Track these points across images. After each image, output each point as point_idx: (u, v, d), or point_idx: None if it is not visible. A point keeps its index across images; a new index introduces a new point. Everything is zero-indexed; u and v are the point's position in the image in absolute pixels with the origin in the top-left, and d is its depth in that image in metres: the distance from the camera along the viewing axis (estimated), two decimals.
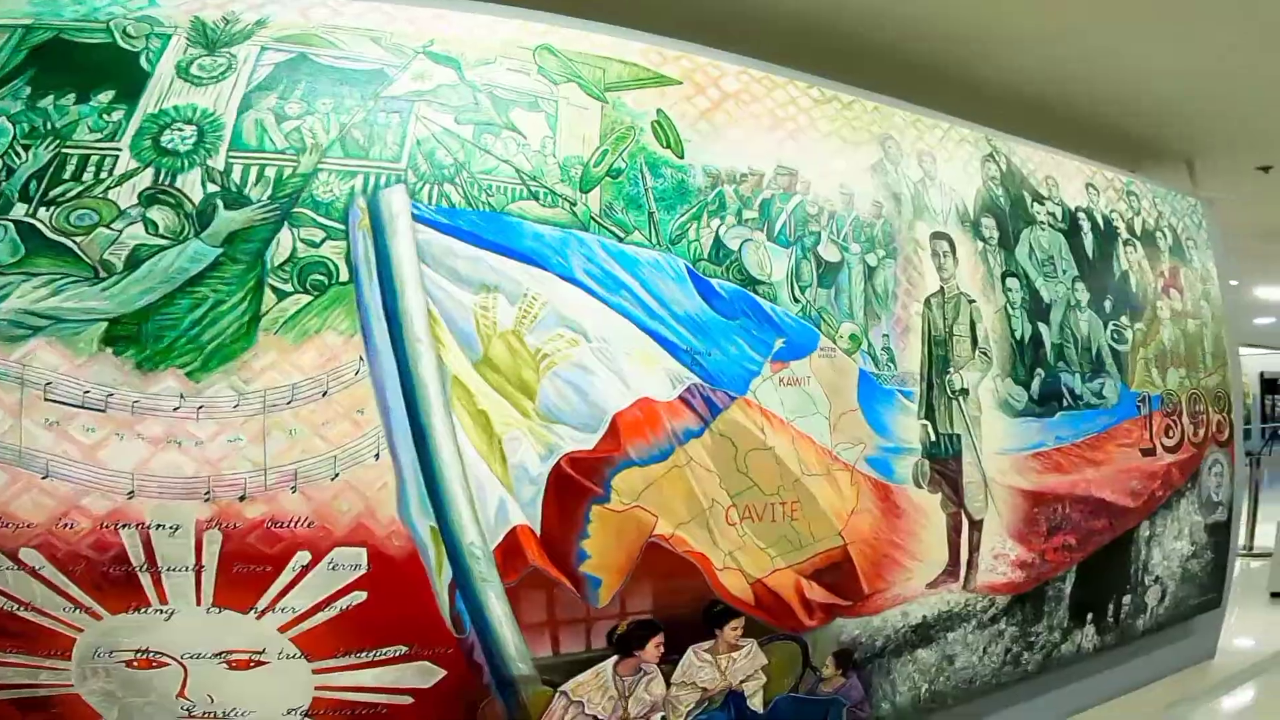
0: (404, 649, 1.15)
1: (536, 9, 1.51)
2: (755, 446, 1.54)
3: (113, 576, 1.02)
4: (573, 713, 1.33)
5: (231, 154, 1.13)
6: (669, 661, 1.45)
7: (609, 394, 1.35)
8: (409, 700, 1.16)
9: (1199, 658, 2.71)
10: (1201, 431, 2.59)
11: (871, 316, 1.80)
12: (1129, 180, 2.59)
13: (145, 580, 1.04)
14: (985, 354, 2.04)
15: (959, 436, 1.93)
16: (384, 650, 1.14)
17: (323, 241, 1.16)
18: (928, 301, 1.94)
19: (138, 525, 1.03)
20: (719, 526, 1.49)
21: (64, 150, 1.07)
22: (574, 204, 1.38)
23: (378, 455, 1.15)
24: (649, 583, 1.40)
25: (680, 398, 1.44)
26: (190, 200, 1.10)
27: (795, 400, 1.62)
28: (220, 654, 1.05)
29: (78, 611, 1.01)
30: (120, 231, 1.07)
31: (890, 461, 1.79)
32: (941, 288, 1.98)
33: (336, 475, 1.12)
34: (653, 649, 1.41)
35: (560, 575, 1.29)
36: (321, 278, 1.15)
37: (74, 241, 1.07)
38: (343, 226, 1.17)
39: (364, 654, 1.13)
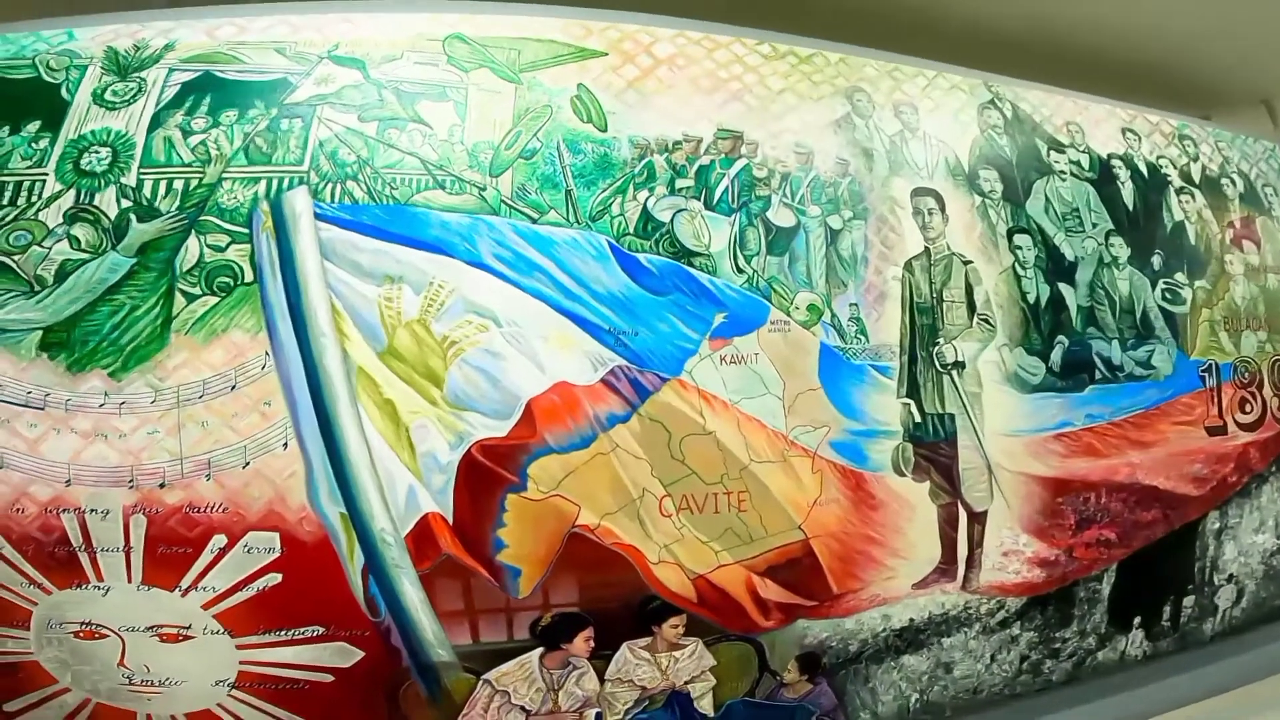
0: (321, 629, 1.36)
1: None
2: (692, 431, 1.63)
3: (58, 556, 1.28)
4: (498, 701, 1.47)
5: (142, 170, 1.38)
6: (602, 657, 1.57)
7: (522, 379, 1.49)
8: (330, 679, 1.36)
9: None
10: None
11: (836, 284, 1.84)
12: (1181, 124, 2.47)
13: (84, 560, 1.29)
14: (987, 321, 2.01)
15: (952, 417, 1.92)
16: (302, 630, 1.35)
17: (228, 246, 1.38)
18: (909, 265, 1.94)
19: (75, 510, 1.29)
20: (652, 518, 1.58)
21: (2, 179, 1.40)
22: (483, 189, 1.52)
23: (285, 445, 1.36)
24: (575, 575, 1.53)
25: (603, 381, 1.55)
26: (107, 216, 1.36)
27: (740, 380, 1.68)
28: (151, 628, 1.30)
29: (31, 587, 1.28)
30: (50, 249, 1.33)
31: (862, 446, 1.81)
32: (927, 248, 1.97)
33: (247, 464, 1.34)
34: (581, 643, 1.54)
35: (475, 564, 1.45)
36: (227, 280, 1.37)
37: (13, 260, 1.34)
38: (246, 230, 1.39)
39: (283, 632, 1.35)
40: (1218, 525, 2.33)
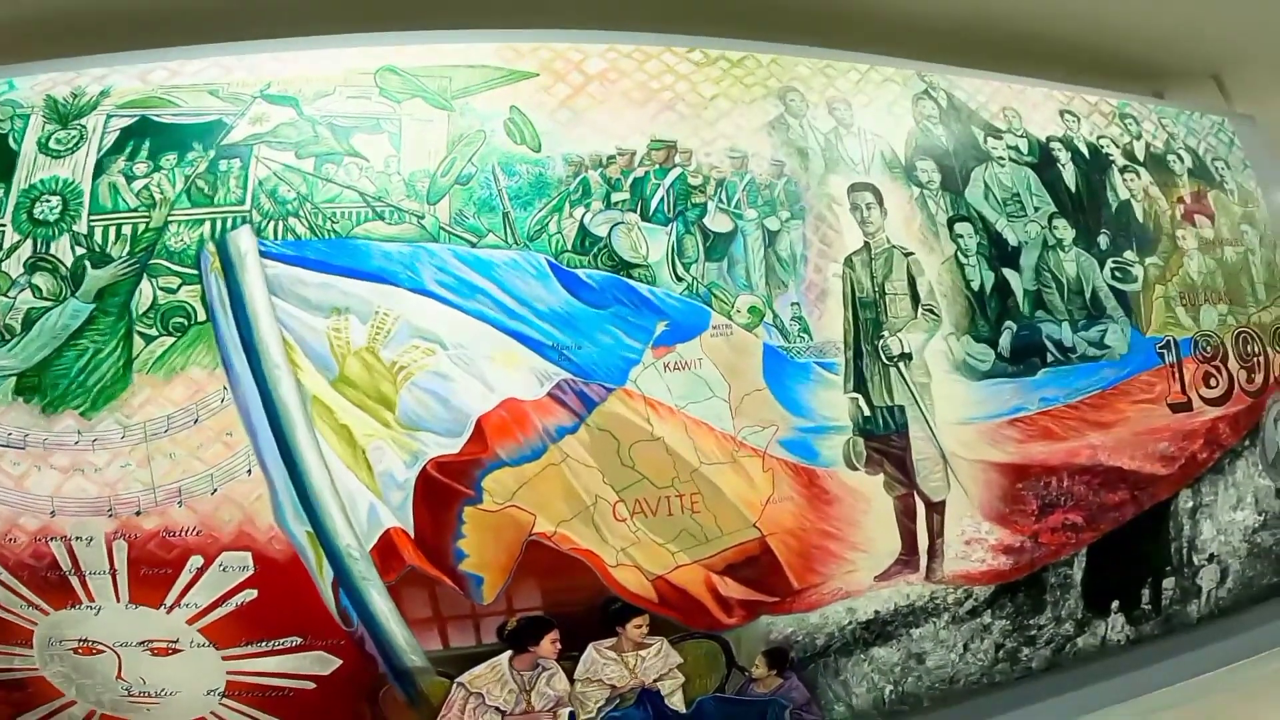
0: (299, 640, 1.68)
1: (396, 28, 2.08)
2: (641, 438, 1.97)
3: (51, 579, 1.61)
4: (473, 703, 1.80)
5: (92, 218, 1.72)
6: (570, 658, 1.90)
7: (471, 398, 1.83)
8: (312, 685, 1.69)
9: None
10: (1259, 377, 2.79)
11: (776, 285, 2.21)
12: (1122, 103, 2.87)
13: (75, 582, 1.62)
14: (931, 311, 2.38)
15: (902, 408, 2.28)
16: (281, 641, 1.68)
17: (179, 287, 1.72)
18: (849, 260, 2.31)
19: (62, 538, 1.63)
20: (606, 523, 1.92)
21: None
22: (422, 217, 1.87)
23: (250, 471, 1.70)
24: (536, 580, 1.86)
25: (549, 395, 1.90)
26: (64, 264, 1.70)
27: (685, 385, 2.03)
28: (143, 642, 1.63)
29: (30, 608, 1.61)
30: (14, 298, 1.68)
31: (812, 443, 2.17)
32: (866, 243, 2.35)
33: (215, 490, 1.68)
34: (548, 645, 1.87)
35: (439, 574, 1.78)
36: (181, 320, 1.71)
37: None
38: (196, 271, 1.73)
39: (264, 644, 1.67)
40: (1191, 504, 2.70)
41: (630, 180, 2.12)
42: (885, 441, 2.27)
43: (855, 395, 2.25)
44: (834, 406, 2.21)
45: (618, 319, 2.01)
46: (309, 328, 1.77)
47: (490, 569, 1.83)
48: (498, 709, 1.82)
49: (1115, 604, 2.54)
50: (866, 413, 2.25)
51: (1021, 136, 2.66)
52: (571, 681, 1.90)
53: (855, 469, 2.22)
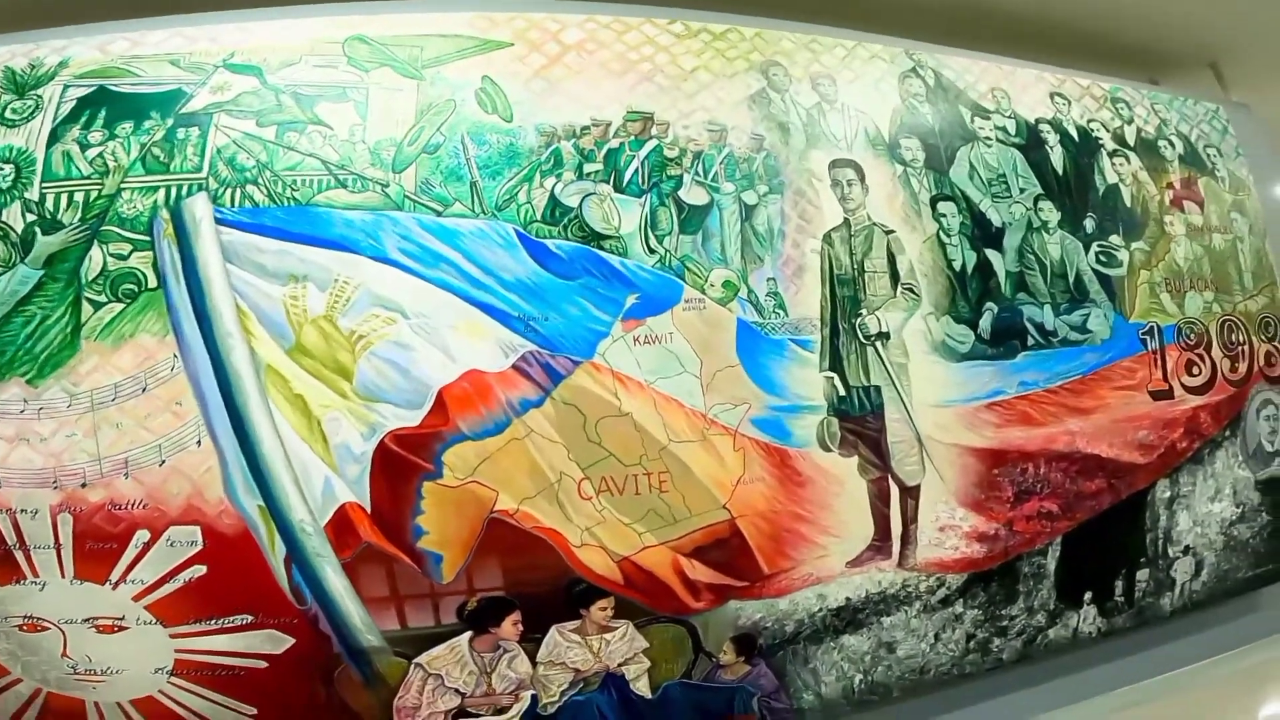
0: (249, 618, 1.71)
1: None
2: (608, 413, 2.01)
3: None
4: (432, 684, 1.83)
5: (44, 185, 1.74)
6: (532, 640, 1.94)
7: (432, 369, 1.85)
8: (264, 664, 1.72)
9: (1267, 634, 2.96)
10: (1243, 366, 2.88)
11: (752, 260, 2.24)
12: (1114, 87, 2.93)
13: (19, 557, 1.63)
14: (911, 290, 2.43)
15: (878, 389, 2.33)
16: (231, 618, 1.70)
17: (130, 254, 1.74)
18: (828, 237, 2.35)
19: (7, 510, 1.65)
20: (571, 501, 1.96)
21: None
22: (386, 185, 1.89)
23: (199, 442, 1.72)
24: (498, 559, 1.89)
25: (514, 367, 1.93)
26: (14, 231, 1.71)
27: (655, 360, 2.07)
28: (88, 619, 1.64)
29: None
30: None
31: (785, 422, 2.21)
32: (846, 220, 2.39)
33: (163, 462, 1.69)
34: (510, 626, 1.90)
35: (397, 551, 1.81)
36: (132, 286, 1.73)
37: None
38: (148, 238, 1.74)
39: (213, 621, 1.69)
40: (1169, 494, 2.78)
41: (604, 151, 2.14)
42: (860, 423, 2.32)
43: (831, 374, 2.29)
44: (809, 385, 2.26)
45: (587, 290, 2.04)
46: (265, 295, 1.78)
47: (450, 546, 1.86)
48: (457, 691, 1.85)
49: (1088, 595, 2.62)
50: (842, 392, 2.30)
51: (1010, 117, 2.71)
52: (534, 664, 1.94)
53: (829, 450, 2.26)
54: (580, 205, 2.08)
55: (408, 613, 1.84)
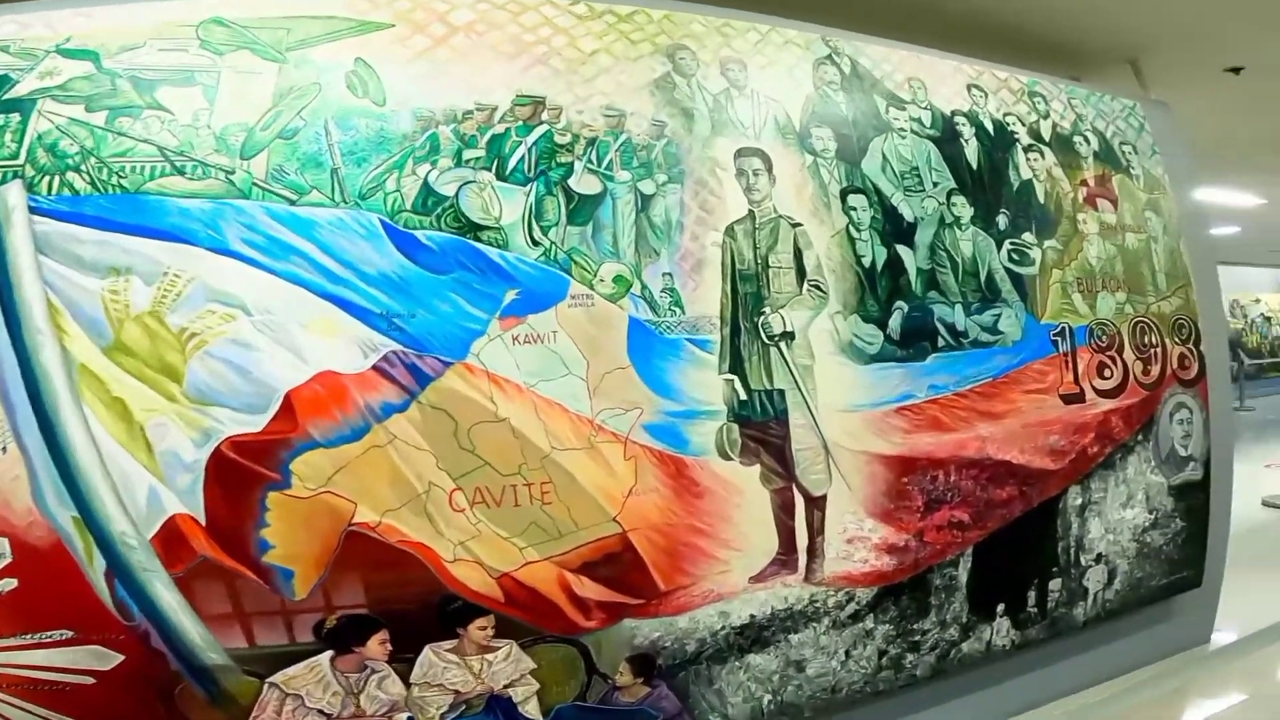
0: (69, 633, 1.58)
1: None
2: (483, 419, 1.91)
3: None
4: (292, 704, 1.73)
5: None
6: (404, 660, 1.84)
7: (278, 370, 1.73)
8: (91, 680, 1.59)
9: (1186, 644, 3.09)
10: (1155, 369, 2.96)
11: (647, 253, 2.17)
12: (1031, 80, 2.99)
13: None
14: (818, 287, 2.40)
15: (782, 393, 2.29)
16: (48, 634, 1.57)
17: None
18: (730, 229, 2.30)
19: None
20: (442, 513, 1.86)
21: None
22: (231, 172, 1.77)
23: (4, 448, 1.56)
24: (359, 575, 1.78)
25: (375, 368, 1.81)
26: None
27: (537, 361, 1.98)
28: None
29: None
30: None
31: (681, 429, 2.15)
32: (751, 211, 2.34)
33: None
34: (376, 646, 1.81)
35: (239, 566, 1.69)
36: None
37: None
38: None
39: (28, 636, 1.56)
40: (1080, 501, 2.84)
41: (488, 137, 2.05)
42: (763, 429, 2.28)
43: (731, 377, 2.25)
44: (707, 389, 2.21)
45: (460, 285, 1.94)
46: (80, 289, 1.64)
47: (301, 562, 1.75)
48: (321, 712, 1.76)
49: (1001, 607, 2.65)
50: (743, 396, 2.26)
51: (925, 108, 2.72)
52: (408, 685, 1.85)
53: (729, 459, 2.22)
54: (457, 194, 1.98)
55: (256, 630, 1.73)
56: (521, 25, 2.17)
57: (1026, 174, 2.84)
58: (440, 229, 1.95)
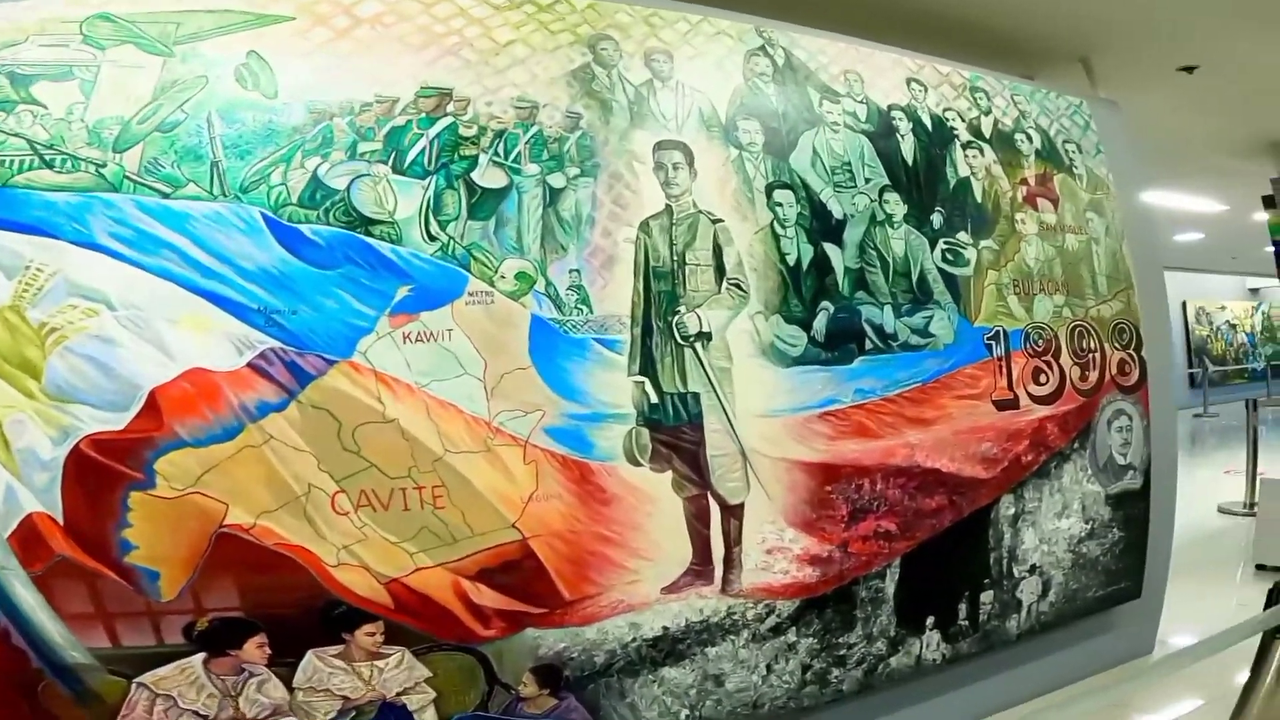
0: None
1: None
2: (369, 420, 1.90)
3: None
4: (163, 705, 1.73)
5: None
6: (286, 664, 1.84)
7: (143, 367, 1.72)
8: None
9: (1128, 656, 3.13)
10: (1093, 375, 3.00)
11: (553, 249, 2.16)
12: (974, 75, 3.02)
13: None
14: (738, 285, 2.40)
15: (697, 396, 2.29)
16: None
17: None
18: (645, 225, 2.30)
19: None
20: (323, 516, 1.84)
21: None
22: (103, 165, 1.76)
23: None
24: (233, 577, 1.78)
25: (250, 365, 1.80)
26: None
27: (429, 360, 1.97)
28: None
29: None
30: None
31: (586, 432, 2.15)
32: (669, 206, 2.34)
33: None
34: (254, 649, 1.81)
35: (100, 566, 1.68)
36: None
37: None
38: None
39: None
40: (1013, 510, 2.86)
41: (386, 130, 2.04)
42: (675, 434, 2.28)
43: (641, 379, 2.24)
44: (615, 391, 2.21)
45: (348, 281, 1.93)
46: None
47: (168, 563, 1.74)
48: (196, 713, 1.76)
49: (931, 620, 2.67)
50: (654, 399, 2.25)
51: (861, 102, 2.73)
52: (291, 690, 1.85)
53: (639, 464, 2.22)
54: (349, 187, 1.96)
55: (120, 630, 1.72)
56: (433, 16, 2.17)
57: (964, 171, 2.86)
58: (329, 223, 1.93)
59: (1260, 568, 4.40)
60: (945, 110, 2.88)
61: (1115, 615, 3.07)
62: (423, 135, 2.08)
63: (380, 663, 1.93)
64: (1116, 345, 3.07)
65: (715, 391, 2.32)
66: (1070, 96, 3.21)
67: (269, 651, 1.83)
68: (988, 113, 2.98)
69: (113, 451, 1.71)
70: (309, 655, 1.87)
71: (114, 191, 1.78)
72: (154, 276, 1.78)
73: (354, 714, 1.91)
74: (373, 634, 1.92)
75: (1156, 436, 3.14)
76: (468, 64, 2.17)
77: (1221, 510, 5.99)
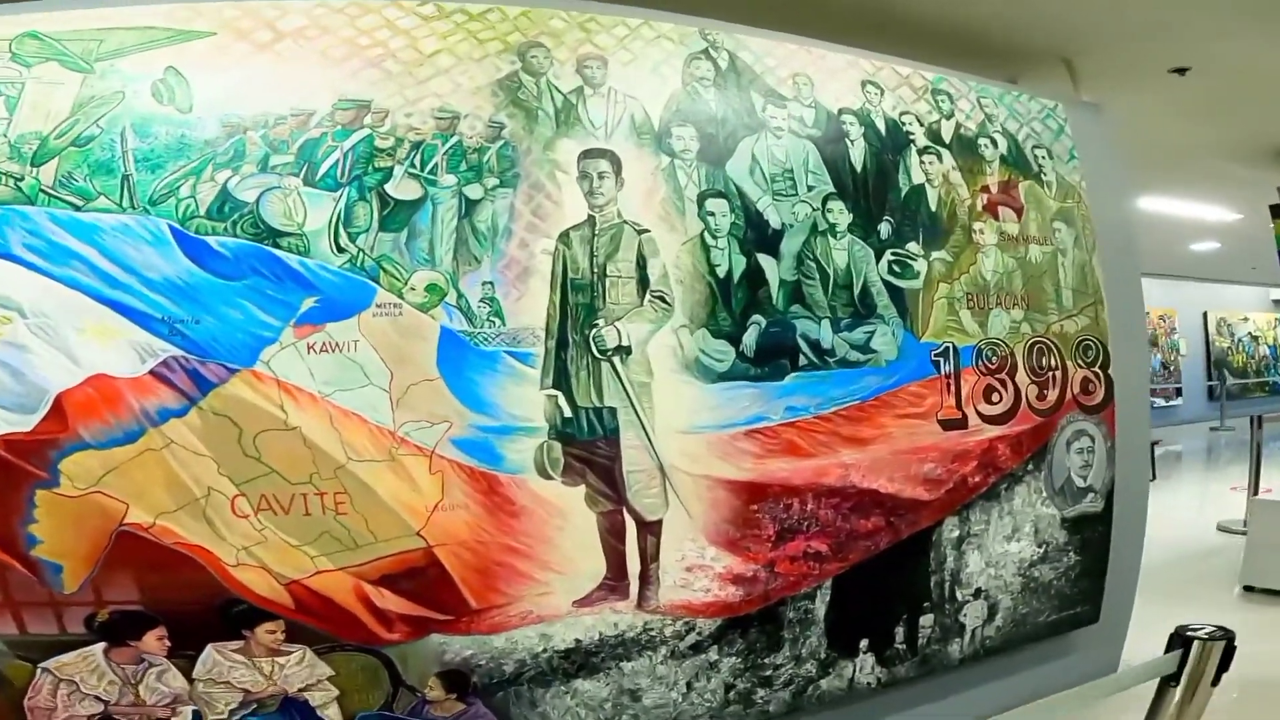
0: None
1: None
2: (270, 427, 2.06)
3: None
4: (66, 690, 1.94)
5: None
6: (186, 656, 2.03)
7: (50, 372, 1.90)
8: None
9: (1089, 679, 3.16)
10: (1052, 394, 3.01)
11: (466, 261, 2.28)
12: (937, 78, 3.02)
13: None
14: (661, 299, 2.49)
15: (613, 411, 2.40)
16: None
17: None
18: (565, 236, 2.40)
19: None
20: (223, 518, 2.01)
21: None
22: (20, 179, 1.95)
23: None
24: (133, 573, 1.97)
25: (152, 373, 1.98)
26: None
27: (334, 370, 2.12)
28: None
29: None
30: None
31: (495, 444, 2.27)
32: (591, 216, 2.44)
33: None
34: (154, 641, 2.00)
35: (7, 558, 1.88)
36: None
37: None
38: None
39: None
40: (957, 533, 2.89)
41: (300, 142, 2.19)
42: (589, 448, 2.39)
43: (554, 392, 2.36)
44: (526, 404, 2.32)
45: (253, 292, 2.08)
46: None
47: (71, 557, 1.94)
48: (98, 698, 1.97)
49: (864, 642, 2.73)
50: (567, 413, 2.36)
51: (809, 106, 2.78)
52: (191, 680, 2.04)
53: (550, 478, 2.33)
54: (258, 200, 2.12)
55: (26, 619, 1.93)
56: (358, 29, 2.30)
57: (919, 178, 2.89)
58: (236, 235, 2.09)
59: (1248, 589, 4.44)
60: (902, 114, 2.90)
61: (1075, 639, 3.09)
62: (337, 148, 2.21)
63: (281, 659, 2.11)
64: (1080, 363, 3.06)
65: (633, 406, 2.42)
66: (1043, 100, 3.19)
67: (168, 644, 2.02)
68: (949, 116, 2.99)
69: (20, 451, 1.90)
70: (208, 649, 2.05)
71: (30, 204, 1.97)
72: (63, 286, 1.96)
73: (255, 706, 2.09)
74: (273, 632, 2.09)
75: (1125, 458, 3.13)
76: (389, 75, 2.30)
77: (1220, 528, 6.04)
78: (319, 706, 2.13)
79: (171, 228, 2.06)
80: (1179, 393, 14.66)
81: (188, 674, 2.04)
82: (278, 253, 2.13)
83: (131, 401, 1.99)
